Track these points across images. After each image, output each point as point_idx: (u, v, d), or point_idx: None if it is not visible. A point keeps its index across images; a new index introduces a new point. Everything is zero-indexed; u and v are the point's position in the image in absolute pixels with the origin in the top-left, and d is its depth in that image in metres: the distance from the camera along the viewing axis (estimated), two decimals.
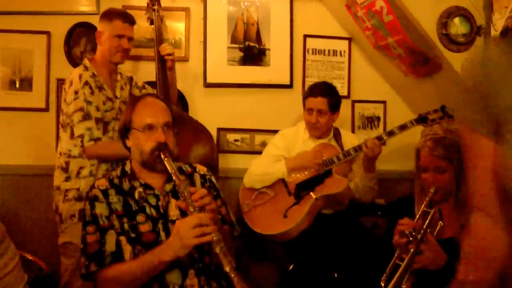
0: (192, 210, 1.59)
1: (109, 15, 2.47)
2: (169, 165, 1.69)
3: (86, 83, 2.36)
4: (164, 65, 2.61)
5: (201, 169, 1.92)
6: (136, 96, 1.84)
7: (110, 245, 1.65)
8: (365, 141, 2.52)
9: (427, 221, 1.74)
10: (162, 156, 1.70)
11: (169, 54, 2.60)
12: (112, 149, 2.34)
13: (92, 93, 2.36)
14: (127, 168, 1.80)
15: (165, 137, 1.73)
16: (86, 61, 2.46)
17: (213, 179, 1.92)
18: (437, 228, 1.79)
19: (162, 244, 1.61)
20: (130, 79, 2.69)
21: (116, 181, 1.77)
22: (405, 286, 1.66)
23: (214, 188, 1.90)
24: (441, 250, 1.73)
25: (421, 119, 2.53)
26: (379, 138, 2.54)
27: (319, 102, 2.62)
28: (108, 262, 1.63)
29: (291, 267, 2.66)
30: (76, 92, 2.34)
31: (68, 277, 2.39)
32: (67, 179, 2.39)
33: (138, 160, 1.76)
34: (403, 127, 2.54)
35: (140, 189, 1.74)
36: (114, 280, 1.62)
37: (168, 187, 1.77)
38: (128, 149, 1.82)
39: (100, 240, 1.65)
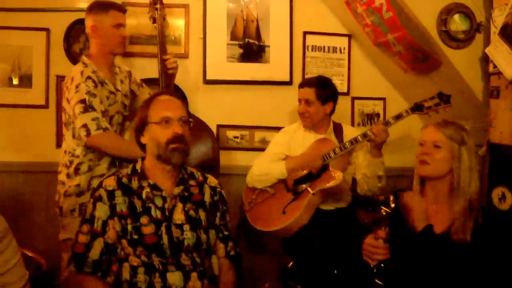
0: None
1: (103, 7, 2.45)
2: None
3: (89, 77, 2.36)
4: (166, 70, 2.64)
5: (212, 181, 1.92)
6: (151, 95, 1.88)
7: (94, 252, 1.67)
8: (370, 127, 2.54)
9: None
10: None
11: (173, 68, 2.65)
12: (119, 143, 2.37)
13: (95, 86, 2.35)
14: (138, 166, 1.80)
15: (182, 129, 1.74)
16: (84, 58, 2.45)
17: (223, 192, 1.92)
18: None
19: None
20: (129, 73, 2.68)
21: (124, 180, 1.76)
22: None
23: (223, 203, 1.91)
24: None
25: (417, 107, 2.52)
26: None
27: (304, 92, 2.69)
28: (86, 270, 1.66)
29: (290, 264, 2.67)
30: (77, 86, 2.33)
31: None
32: (68, 176, 2.40)
33: (154, 153, 1.75)
34: (398, 117, 2.54)
35: (148, 189, 1.74)
36: None
37: (177, 190, 1.77)
38: (143, 147, 1.82)
39: (88, 244, 1.68)
